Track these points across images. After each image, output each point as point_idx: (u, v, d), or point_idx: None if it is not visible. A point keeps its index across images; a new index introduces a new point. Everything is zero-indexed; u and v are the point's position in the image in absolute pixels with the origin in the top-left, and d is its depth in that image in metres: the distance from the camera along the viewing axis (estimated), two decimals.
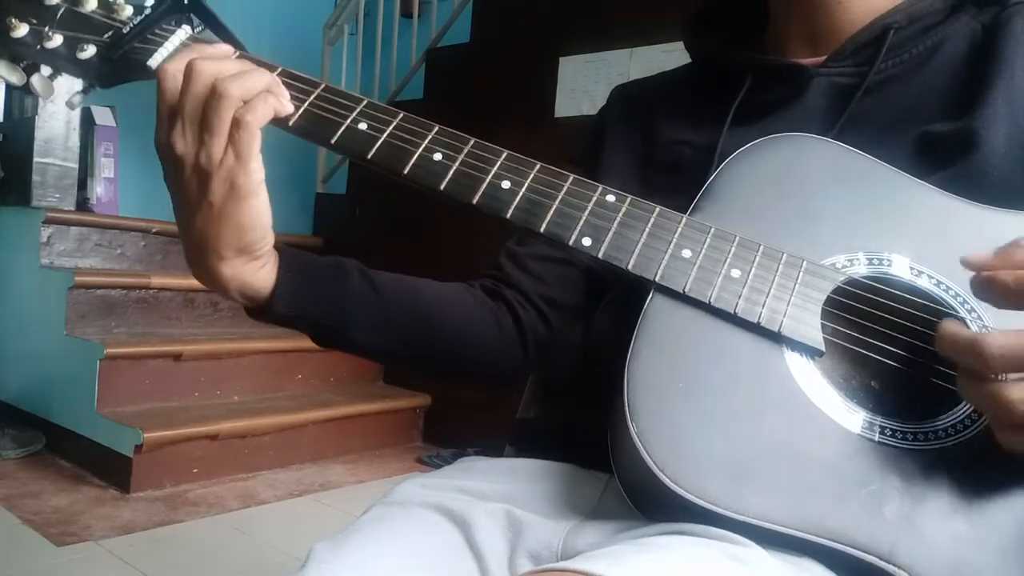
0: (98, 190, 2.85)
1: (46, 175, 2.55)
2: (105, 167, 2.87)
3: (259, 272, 0.61)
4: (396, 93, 3.41)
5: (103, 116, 2.83)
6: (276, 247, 0.62)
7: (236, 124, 0.55)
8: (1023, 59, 0.62)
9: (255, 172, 0.56)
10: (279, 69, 0.62)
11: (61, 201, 2.58)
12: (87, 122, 2.76)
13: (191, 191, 0.57)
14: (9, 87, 2.65)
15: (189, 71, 0.56)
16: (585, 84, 2.71)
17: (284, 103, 0.59)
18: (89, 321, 2.41)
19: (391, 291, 0.70)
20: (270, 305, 0.62)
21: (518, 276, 0.77)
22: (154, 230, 2.77)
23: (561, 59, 2.76)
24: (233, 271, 0.59)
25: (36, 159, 2.52)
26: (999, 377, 0.44)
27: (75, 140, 2.62)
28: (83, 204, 2.77)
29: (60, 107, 2.57)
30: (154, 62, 0.63)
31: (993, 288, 0.46)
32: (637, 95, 0.82)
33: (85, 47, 0.64)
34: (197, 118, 0.56)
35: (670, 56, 2.40)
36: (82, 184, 2.74)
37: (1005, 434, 0.45)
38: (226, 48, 0.62)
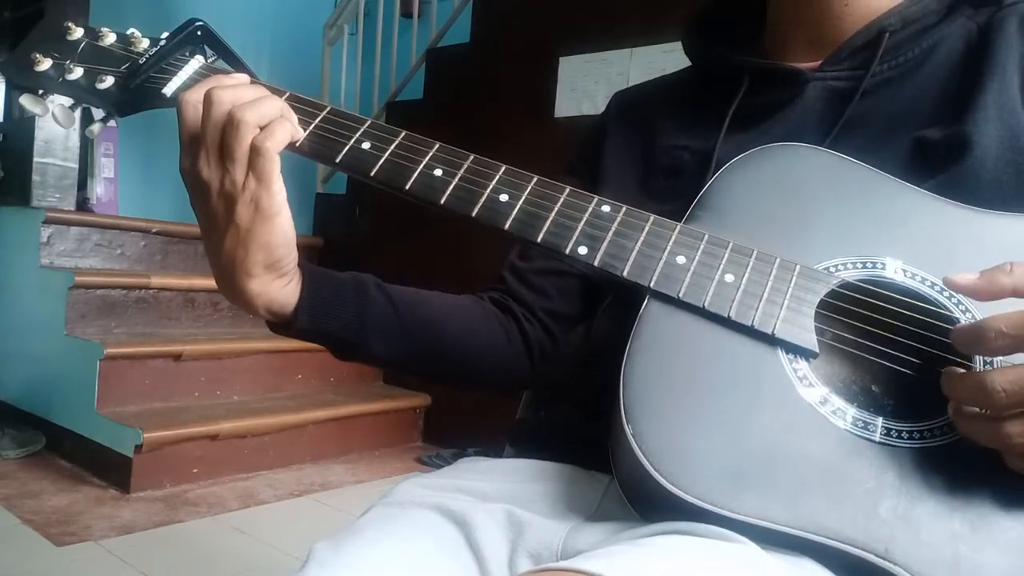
0: (98, 190, 2.85)
1: (46, 175, 2.55)
2: (105, 167, 2.88)
3: (284, 288, 0.63)
4: (396, 93, 3.41)
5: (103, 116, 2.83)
6: (299, 264, 0.64)
7: (255, 150, 0.57)
8: (1015, 61, 0.62)
9: (278, 193, 0.58)
10: (287, 94, 0.64)
11: (61, 201, 2.59)
12: (87, 122, 2.76)
13: (218, 215, 0.59)
14: (9, 87, 2.65)
15: (208, 100, 0.58)
16: (585, 84, 2.71)
17: (297, 128, 0.61)
18: (89, 321, 2.41)
19: (407, 304, 0.72)
20: (293, 320, 0.64)
21: (522, 292, 0.79)
22: (154, 230, 2.77)
23: (561, 59, 2.77)
24: (261, 288, 0.61)
25: (36, 159, 2.53)
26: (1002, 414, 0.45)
27: (75, 140, 2.62)
28: (83, 204, 2.77)
29: None
30: (169, 90, 0.66)
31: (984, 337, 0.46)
32: (637, 100, 0.83)
33: (104, 78, 0.68)
34: (217, 146, 0.58)
35: (670, 56, 2.41)
36: (82, 184, 2.74)
37: (1014, 461, 0.46)
38: (242, 76, 0.64)
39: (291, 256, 0.61)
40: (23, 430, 2.36)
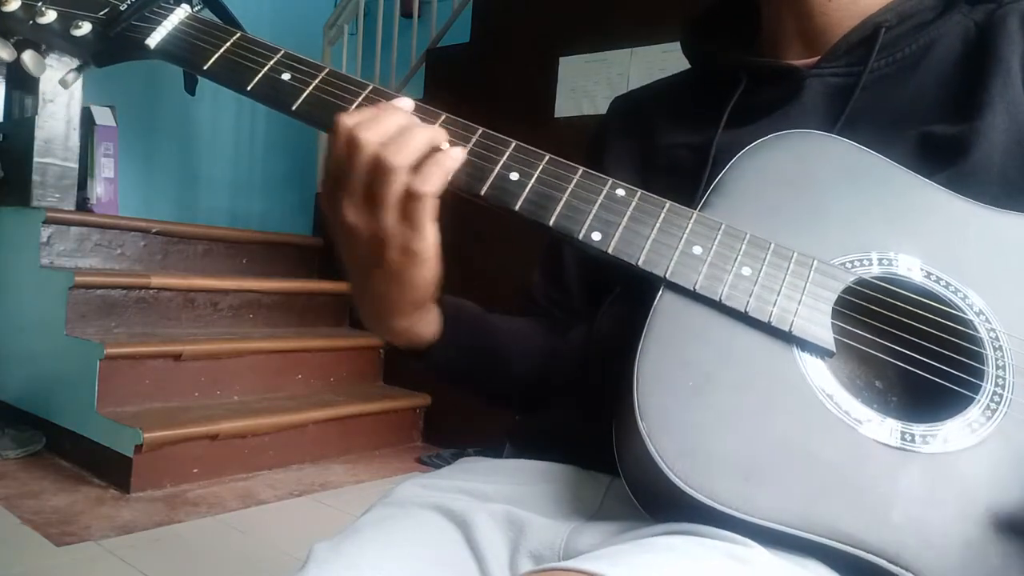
0: (98, 190, 2.84)
1: (46, 175, 2.55)
2: (105, 167, 2.87)
3: (426, 321, 0.65)
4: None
5: (103, 116, 2.82)
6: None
7: (410, 196, 0.54)
8: (1019, 58, 0.62)
9: (430, 237, 0.55)
10: (281, 52, 0.62)
11: (61, 201, 2.58)
12: (87, 122, 2.76)
13: (366, 257, 0.57)
14: (9, 87, 2.65)
15: (353, 144, 0.54)
16: (585, 84, 2.70)
17: (452, 157, 0.57)
18: (89, 321, 2.40)
19: (502, 336, 0.74)
20: (428, 354, 0.67)
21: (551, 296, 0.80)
22: (154, 230, 2.76)
23: (561, 59, 2.76)
24: (408, 324, 0.63)
25: (36, 159, 2.52)
26: None
27: (75, 140, 2.62)
28: (83, 204, 2.76)
29: (60, 107, 2.56)
30: (152, 41, 0.62)
31: None
32: (634, 104, 0.83)
33: (80, 24, 0.63)
34: (364, 192, 0.54)
35: (670, 56, 2.40)
36: (82, 184, 2.73)
37: None
38: (406, 102, 0.59)
39: (433, 293, 0.61)
40: (23, 430, 2.36)
